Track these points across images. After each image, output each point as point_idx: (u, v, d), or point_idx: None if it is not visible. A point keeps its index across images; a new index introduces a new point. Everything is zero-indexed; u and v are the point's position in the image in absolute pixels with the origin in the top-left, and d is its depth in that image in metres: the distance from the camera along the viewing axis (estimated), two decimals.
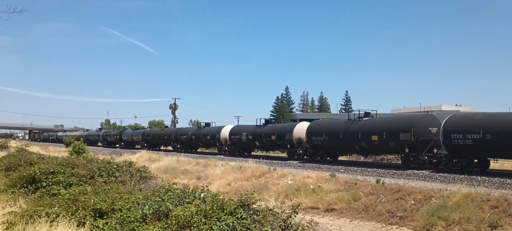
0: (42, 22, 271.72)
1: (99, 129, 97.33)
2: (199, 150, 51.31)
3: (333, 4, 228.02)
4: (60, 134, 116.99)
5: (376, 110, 29.88)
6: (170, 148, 56.18)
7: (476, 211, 13.66)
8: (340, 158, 32.33)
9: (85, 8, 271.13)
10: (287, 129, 35.24)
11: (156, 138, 58.04)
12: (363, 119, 28.47)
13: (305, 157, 31.83)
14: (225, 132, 42.71)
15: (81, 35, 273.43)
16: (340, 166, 26.61)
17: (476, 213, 13.49)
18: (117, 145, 71.06)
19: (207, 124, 48.65)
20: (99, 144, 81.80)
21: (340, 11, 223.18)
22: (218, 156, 38.38)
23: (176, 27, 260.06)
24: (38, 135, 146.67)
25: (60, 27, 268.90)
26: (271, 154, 42.81)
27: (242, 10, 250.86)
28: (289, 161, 31.45)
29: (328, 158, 30.68)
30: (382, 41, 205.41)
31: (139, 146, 63.40)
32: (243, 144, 40.37)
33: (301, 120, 42.02)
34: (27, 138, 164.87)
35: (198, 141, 47.78)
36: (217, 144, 44.59)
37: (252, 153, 41.25)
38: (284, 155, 38.92)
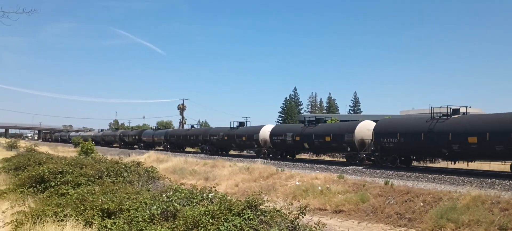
0: (51, 22, 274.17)
1: (115, 129, 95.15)
2: (231, 152, 46.00)
3: (342, 6, 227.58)
4: (73, 134, 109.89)
5: (467, 106, 25.76)
6: (196, 149, 52.62)
7: (486, 213, 13.53)
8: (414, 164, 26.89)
9: (94, 8, 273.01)
10: (346, 128, 30.15)
11: (181, 139, 53.59)
12: (452, 116, 23.49)
13: (367, 161, 28.22)
14: (264, 132, 37.61)
15: (89, 35, 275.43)
16: (418, 173, 22.34)
17: (486, 216, 13.36)
18: (136, 146, 67.09)
19: (241, 124, 42.94)
20: (115, 144, 77.51)
21: (349, 13, 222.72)
22: (256, 159, 33.29)
23: (185, 28, 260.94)
24: (49, 135, 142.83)
25: (69, 28, 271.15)
26: (319, 157, 37.51)
27: (250, 12, 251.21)
28: (349, 167, 26.34)
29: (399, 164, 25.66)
30: (390, 42, 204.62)
31: (160, 148, 58.98)
32: (287, 145, 35.35)
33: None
34: (36, 138, 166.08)
35: (231, 142, 42.33)
36: (255, 146, 39.07)
37: (297, 157, 37.57)
38: (338, 158, 35.79)
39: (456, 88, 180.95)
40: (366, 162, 27.93)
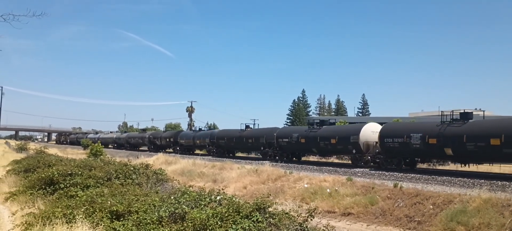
0: (60, 25, 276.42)
1: (143, 130, 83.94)
2: (304, 159, 38.23)
3: (350, 8, 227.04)
4: (91, 136, 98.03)
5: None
6: (252, 154, 46.27)
7: (497, 216, 13.39)
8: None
9: (103, 11, 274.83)
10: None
11: (235, 142, 43.97)
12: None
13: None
14: (366, 129, 30.57)
15: (99, 38, 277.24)
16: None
17: (497, 219, 13.22)
18: (170, 149, 58.74)
19: (322, 122, 35.34)
20: (142, 147, 70.49)
21: (357, 15, 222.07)
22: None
23: (193, 31, 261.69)
24: (64, 137, 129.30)
25: (77, 30, 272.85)
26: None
27: (258, 14, 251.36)
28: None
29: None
30: (399, 44, 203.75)
31: (202, 151, 52.60)
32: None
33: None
34: (46, 140, 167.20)
35: (312, 146, 33.09)
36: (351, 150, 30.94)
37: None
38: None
39: (466, 90, 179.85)
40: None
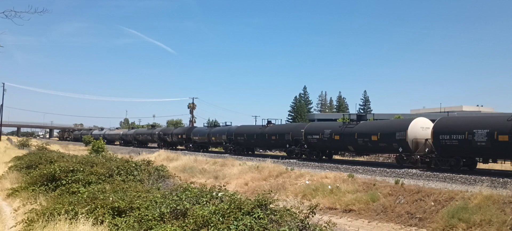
0: (62, 22, 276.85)
1: (152, 126, 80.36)
2: (336, 157, 35.45)
3: (352, 5, 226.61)
4: (96, 132, 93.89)
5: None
6: (276, 152, 42.44)
7: (498, 213, 13.40)
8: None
9: (105, 8, 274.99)
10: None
11: (256, 139, 40.35)
12: None
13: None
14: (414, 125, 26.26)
15: (100, 34, 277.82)
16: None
17: (498, 215, 13.23)
18: (182, 146, 56.13)
19: (360, 117, 32.10)
20: (152, 144, 67.50)
21: (358, 12, 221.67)
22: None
23: (195, 27, 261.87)
24: (68, 134, 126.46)
25: (80, 27, 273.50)
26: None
27: (260, 10, 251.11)
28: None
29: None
30: (401, 41, 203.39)
31: (217, 149, 50.63)
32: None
33: (319, 120, 38.88)
34: (47, 136, 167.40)
35: (347, 143, 29.96)
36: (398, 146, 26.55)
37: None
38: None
39: (467, 87, 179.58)
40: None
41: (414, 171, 22.69)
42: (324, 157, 33.22)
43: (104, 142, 52.56)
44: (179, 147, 56.41)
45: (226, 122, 49.59)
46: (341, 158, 36.11)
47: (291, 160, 31.49)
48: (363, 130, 28.63)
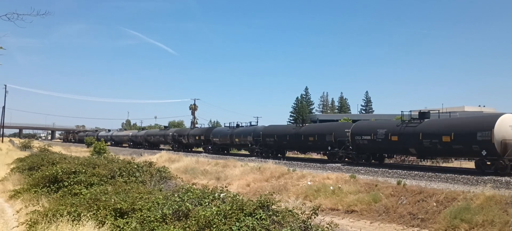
0: (64, 24, 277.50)
1: (165, 127, 76.31)
2: (388, 162, 30.88)
3: (353, 6, 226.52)
4: (102, 133, 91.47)
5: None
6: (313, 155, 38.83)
7: (500, 213, 13.38)
8: None
9: (106, 9, 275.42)
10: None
11: (289, 140, 35.45)
12: None
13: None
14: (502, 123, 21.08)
15: (101, 36, 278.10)
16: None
17: (500, 216, 13.22)
18: (200, 148, 51.98)
19: (423, 114, 26.14)
20: (165, 146, 62.47)
21: (359, 13, 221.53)
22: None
23: (196, 28, 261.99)
24: (72, 135, 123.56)
25: (81, 29, 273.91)
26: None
27: (261, 11, 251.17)
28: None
29: None
30: (402, 42, 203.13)
31: (243, 151, 45.49)
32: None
33: (321, 121, 36.91)
34: (49, 138, 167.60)
35: (409, 145, 25.09)
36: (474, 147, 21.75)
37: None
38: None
39: (469, 88, 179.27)
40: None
41: (415, 171, 22.61)
42: (373, 161, 28.87)
43: (110, 144, 51.74)
44: (196, 149, 52.68)
45: (250, 122, 45.46)
46: (396, 161, 32.11)
47: (334, 164, 28.42)
48: (430, 129, 24.02)
